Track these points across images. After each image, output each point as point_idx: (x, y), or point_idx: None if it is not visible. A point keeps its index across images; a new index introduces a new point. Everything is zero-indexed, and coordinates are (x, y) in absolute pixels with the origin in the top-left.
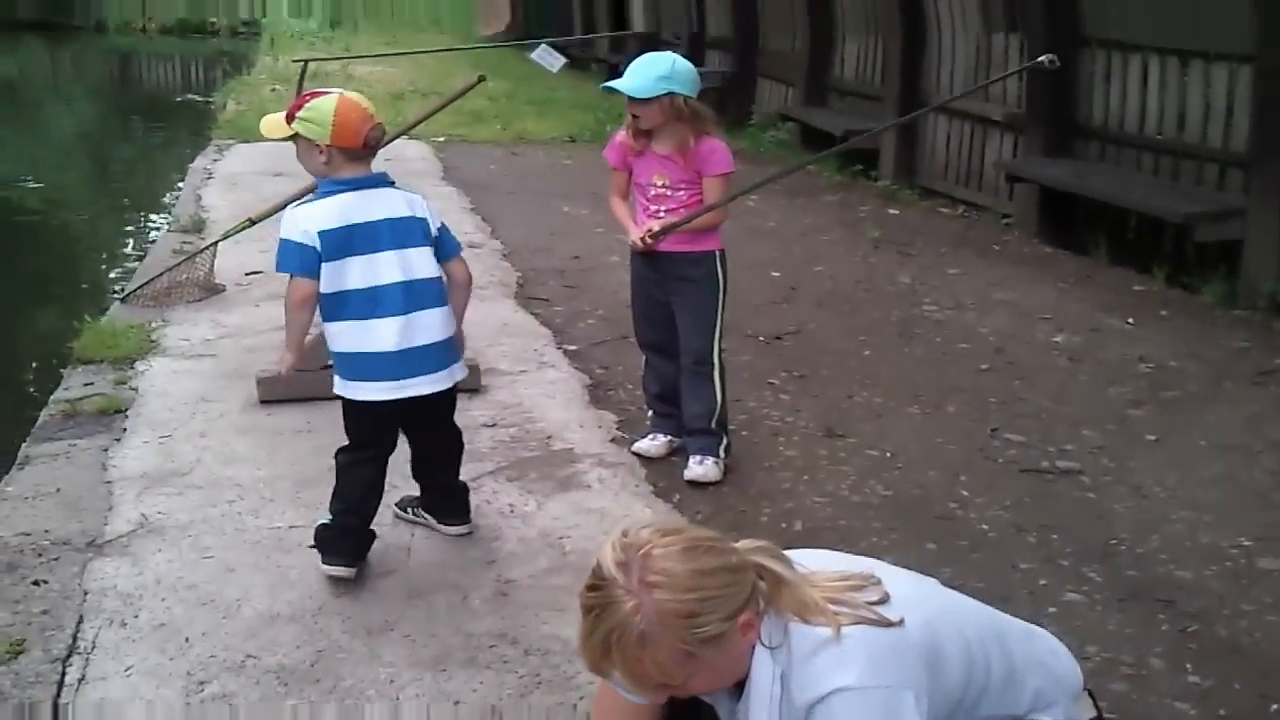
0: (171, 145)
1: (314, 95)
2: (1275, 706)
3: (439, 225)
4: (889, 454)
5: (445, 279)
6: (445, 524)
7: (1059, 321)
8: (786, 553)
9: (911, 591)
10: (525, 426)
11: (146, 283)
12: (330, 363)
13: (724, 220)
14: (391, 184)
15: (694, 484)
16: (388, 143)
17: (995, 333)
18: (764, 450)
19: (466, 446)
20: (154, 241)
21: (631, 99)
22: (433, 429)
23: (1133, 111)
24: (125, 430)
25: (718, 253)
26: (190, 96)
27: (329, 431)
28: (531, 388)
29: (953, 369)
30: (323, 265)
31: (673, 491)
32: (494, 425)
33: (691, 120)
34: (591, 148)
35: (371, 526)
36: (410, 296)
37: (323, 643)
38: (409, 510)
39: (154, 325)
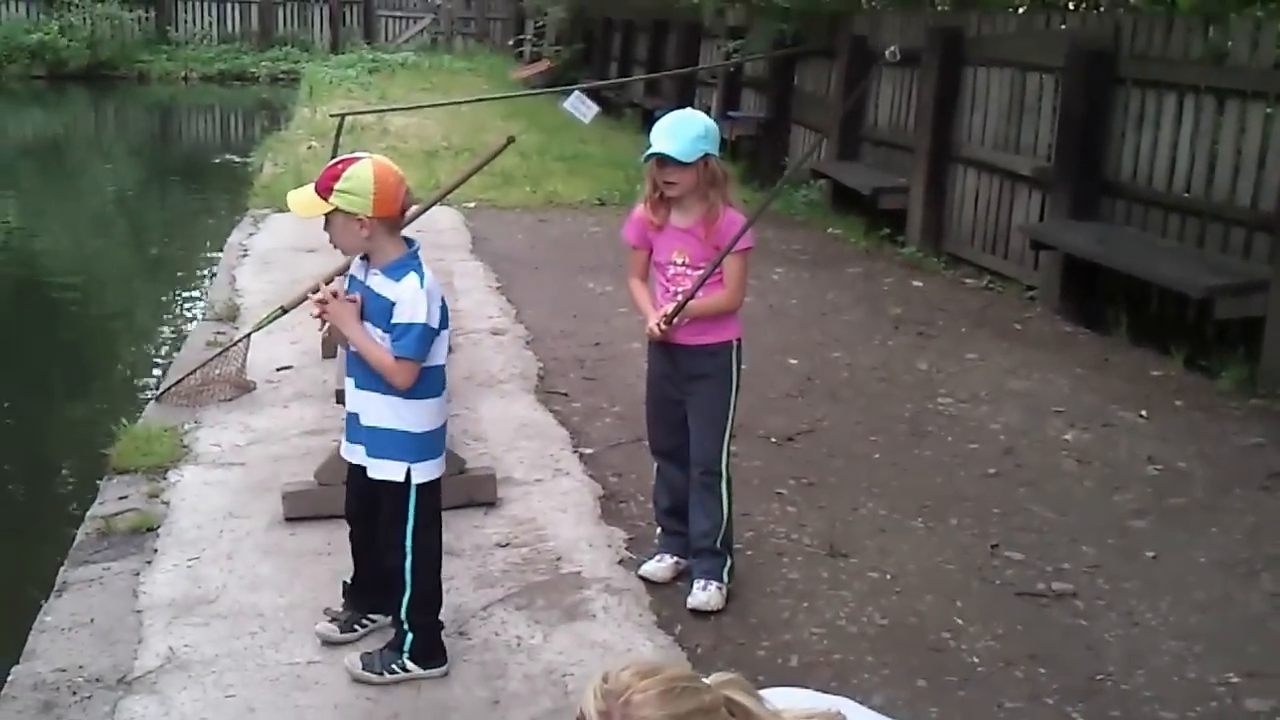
0: (209, 214)
1: (345, 164)
2: None
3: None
4: (889, 575)
5: None
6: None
7: (1071, 415)
8: (760, 692)
9: None
10: (537, 546)
11: (180, 380)
12: None
13: (741, 302)
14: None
15: (696, 612)
16: (424, 210)
17: (1007, 429)
18: (766, 572)
19: (480, 569)
20: (188, 333)
21: (670, 163)
22: None
23: (1162, 163)
24: (156, 551)
25: (735, 342)
26: (228, 157)
27: (348, 553)
28: (545, 500)
29: (960, 474)
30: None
31: (675, 622)
32: (507, 545)
33: (719, 185)
34: (619, 211)
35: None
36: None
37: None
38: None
39: (186, 428)
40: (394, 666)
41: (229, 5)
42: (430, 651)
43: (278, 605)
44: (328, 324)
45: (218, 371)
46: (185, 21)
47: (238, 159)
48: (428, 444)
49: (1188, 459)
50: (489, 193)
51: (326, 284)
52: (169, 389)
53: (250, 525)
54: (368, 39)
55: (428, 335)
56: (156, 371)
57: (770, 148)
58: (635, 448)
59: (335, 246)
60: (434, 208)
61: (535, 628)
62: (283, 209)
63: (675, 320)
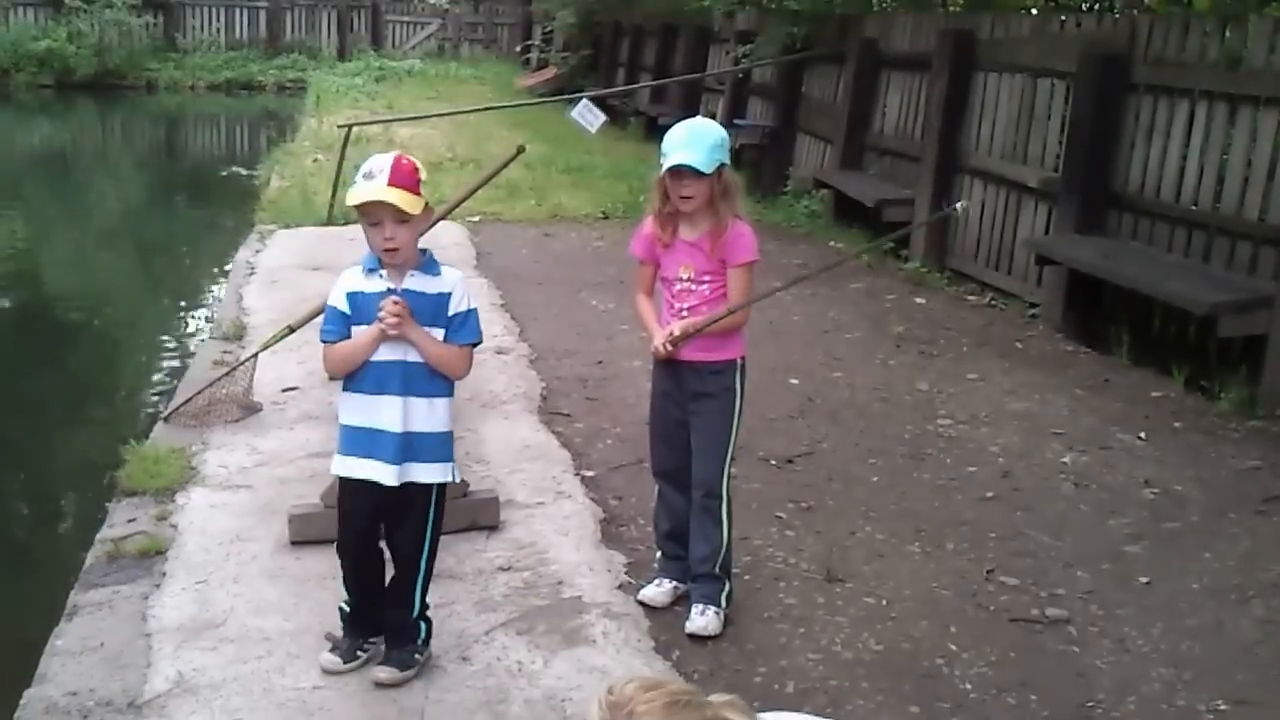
0: (215, 229)
1: (409, 160)
2: None
3: None
4: (884, 601)
5: None
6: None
7: (1070, 438)
8: (759, 715)
9: None
10: (538, 570)
11: (187, 400)
12: None
13: (745, 321)
14: None
15: (694, 637)
16: (433, 225)
17: (1005, 452)
18: (764, 597)
19: (483, 593)
20: (195, 353)
21: (688, 175)
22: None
23: (1171, 174)
24: (164, 575)
25: (739, 361)
26: (235, 169)
27: None
28: (547, 523)
29: (958, 497)
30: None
31: (673, 647)
32: (509, 569)
33: (730, 197)
34: (623, 225)
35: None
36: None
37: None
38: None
39: (194, 450)
40: (416, 657)
41: (237, 11)
42: (431, 631)
43: (284, 629)
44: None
45: (224, 392)
46: (193, 28)
47: (244, 172)
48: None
49: (1184, 482)
50: (494, 206)
51: (386, 303)
52: (176, 409)
53: (257, 549)
54: (375, 45)
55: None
56: (163, 391)
57: (775, 157)
58: (636, 470)
59: (393, 250)
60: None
61: (536, 652)
62: (289, 225)
63: (680, 342)
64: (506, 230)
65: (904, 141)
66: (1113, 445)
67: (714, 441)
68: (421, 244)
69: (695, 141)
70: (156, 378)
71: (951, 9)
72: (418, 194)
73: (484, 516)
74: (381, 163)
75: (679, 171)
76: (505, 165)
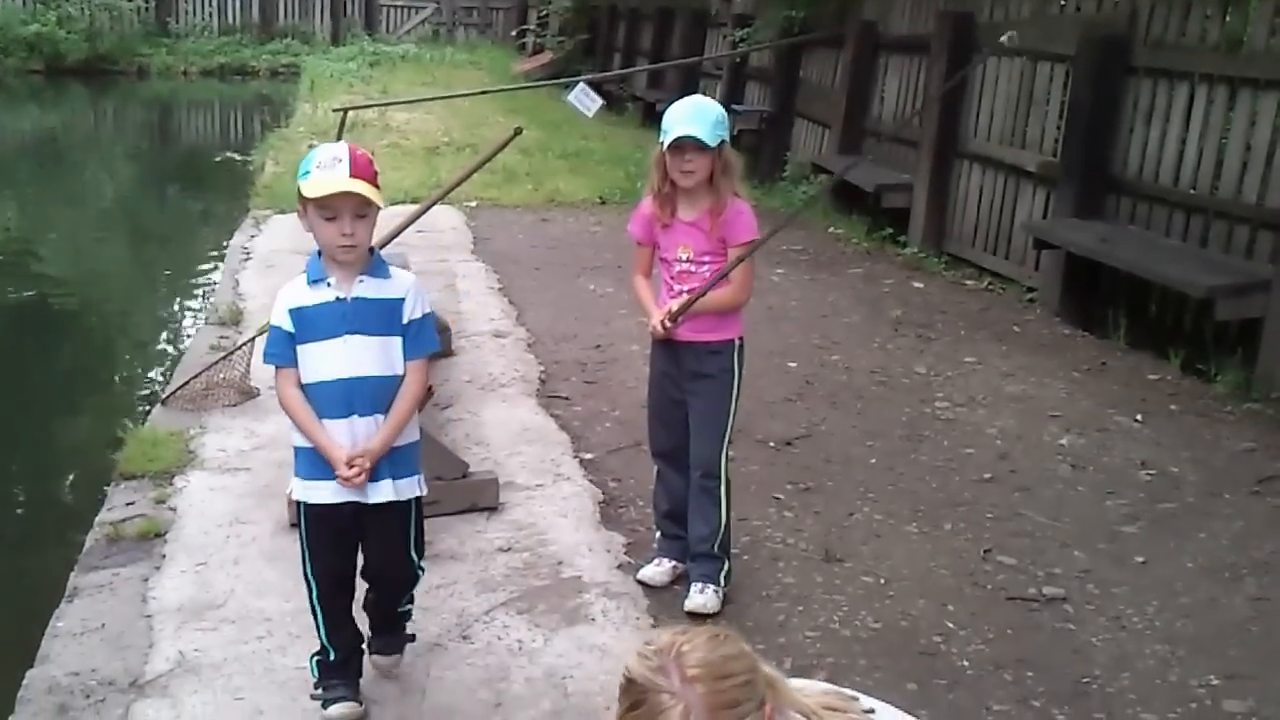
0: (210, 214)
1: (356, 150)
2: None
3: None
4: (883, 580)
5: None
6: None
7: (1068, 420)
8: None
9: (890, 712)
10: (538, 550)
11: (185, 384)
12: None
13: (747, 299)
14: None
15: (693, 615)
16: (428, 208)
17: (1003, 434)
18: (763, 576)
19: (483, 574)
20: (192, 337)
21: (692, 148)
22: None
23: (1169, 158)
24: (164, 557)
25: (737, 341)
26: (229, 155)
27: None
28: (546, 505)
29: (955, 479)
30: None
31: (672, 625)
32: (509, 550)
33: (730, 174)
34: (620, 210)
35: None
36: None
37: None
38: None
39: (192, 433)
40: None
41: None
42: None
43: (284, 610)
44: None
45: (222, 376)
46: (185, 12)
47: (238, 157)
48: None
49: (1180, 464)
50: (490, 191)
51: (346, 472)
52: (174, 393)
53: (256, 531)
54: (369, 30)
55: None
56: (160, 376)
57: (772, 143)
58: (635, 452)
59: (350, 248)
60: (435, 207)
61: (536, 631)
62: (284, 210)
63: (680, 317)
64: (503, 215)
65: (902, 126)
66: (1109, 427)
67: (712, 422)
68: (416, 229)
69: (698, 116)
70: (153, 362)
71: None
72: (378, 187)
73: (483, 498)
74: (338, 152)
75: (681, 146)
76: (503, 147)
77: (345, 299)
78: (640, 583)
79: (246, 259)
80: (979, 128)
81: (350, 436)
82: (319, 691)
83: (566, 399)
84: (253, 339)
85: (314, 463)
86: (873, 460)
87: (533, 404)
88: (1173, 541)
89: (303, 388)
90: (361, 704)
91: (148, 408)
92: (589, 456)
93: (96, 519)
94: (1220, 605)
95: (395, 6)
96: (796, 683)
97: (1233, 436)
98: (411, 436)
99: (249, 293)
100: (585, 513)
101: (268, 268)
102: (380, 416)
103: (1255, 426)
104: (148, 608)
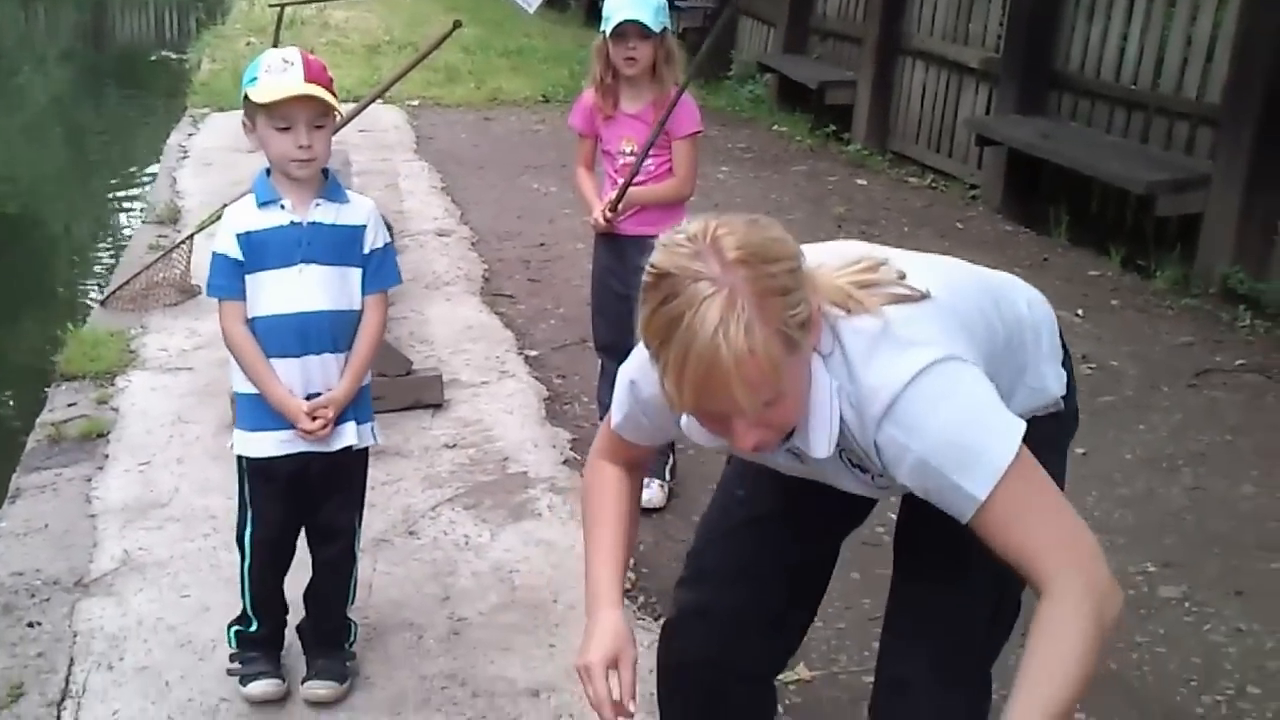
0: (147, 115)
1: (309, 55)
2: None
3: None
4: None
5: None
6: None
7: None
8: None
9: (913, 261)
10: (483, 447)
11: (124, 284)
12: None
13: (690, 193)
14: None
15: (641, 510)
16: (365, 106)
17: None
18: (709, 468)
19: (429, 470)
20: (130, 237)
21: (636, 34)
22: None
23: (1111, 54)
24: (107, 457)
25: None
26: (165, 54)
27: None
28: (491, 402)
29: None
30: None
31: None
32: (454, 446)
33: (673, 63)
34: (563, 108)
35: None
36: None
37: (290, 686)
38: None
39: (133, 334)
40: (349, 665)
41: None
42: (357, 631)
43: (229, 508)
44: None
45: (161, 275)
46: None
47: (174, 56)
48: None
49: (1120, 358)
50: (432, 90)
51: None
52: (113, 294)
53: (199, 430)
54: None
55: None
56: (100, 277)
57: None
58: (579, 349)
59: (308, 161)
60: (375, 105)
61: (483, 526)
62: (223, 108)
63: (621, 208)
64: (445, 114)
65: (846, 24)
66: None
67: None
68: (357, 128)
69: (641, 1)
70: (92, 263)
71: None
72: (335, 93)
73: (428, 395)
74: (288, 54)
75: (624, 32)
76: (441, 41)
77: (301, 223)
78: None
79: (184, 157)
80: (922, 24)
81: (303, 378)
82: (237, 666)
83: (510, 297)
84: (191, 236)
85: (259, 411)
86: None
87: (476, 302)
88: (1112, 433)
89: (249, 323)
90: (284, 680)
91: (87, 309)
92: (534, 354)
93: (38, 420)
94: (1157, 495)
95: None
96: (822, 256)
97: (1171, 331)
98: (367, 377)
99: (187, 191)
100: (530, 409)
101: (205, 166)
102: (331, 356)
103: (1194, 321)
104: (91, 507)
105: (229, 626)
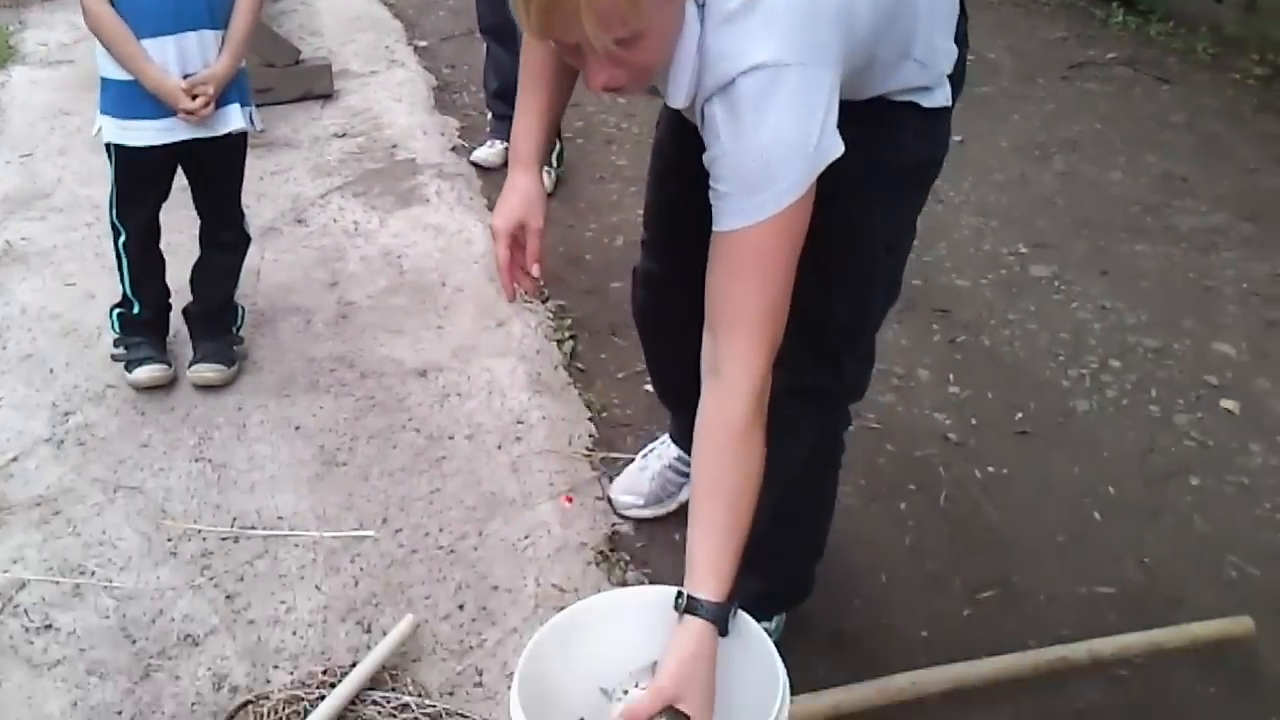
0: None
1: None
2: (1019, 415)
3: None
4: None
5: None
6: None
7: None
8: None
9: None
10: (373, 135)
11: None
12: None
13: None
14: None
15: None
16: None
17: None
18: (596, 159)
19: (318, 159)
20: None
21: None
22: None
23: None
24: None
25: None
26: None
27: None
28: (380, 91)
29: None
30: None
31: None
32: (344, 135)
33: None
34: None
35: None
36: None
37: (178, 372)
38: None
39: (11, 29)
40: (236, 349)
41: None
42: (244, 315)
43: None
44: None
45: None
46: None
47: None
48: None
49: (997, 51)
50: None
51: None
52: None
53: (80, 121)
54: None
55: None
56: None
57: None
58: (468, 40)
59: None
60: None
61: (371, 213)
62: None
63: None
64: None
65: None
66: None
67: None
68: None
69: None
70: None
71: None
72: None
73: (318, 85)
74: None
75: None
76: None
77: None
78: (474, 164)
79: None
80: None
81: (179, 57)
82: (121, 351)
83: None
84: None
85: (130, 97)
86: None
87: None
88: (987, 123)
89: (114, 1)
90: (170, 365)
91: None
92: (423, 44)
93: None
94: (1031, 181)
95: None
96: None
97: (1047, 26)
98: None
99: None
100: (419, 98)
101: None
102: (210, 32)
103: (1069, 18)
104: None
105: (111, 310)
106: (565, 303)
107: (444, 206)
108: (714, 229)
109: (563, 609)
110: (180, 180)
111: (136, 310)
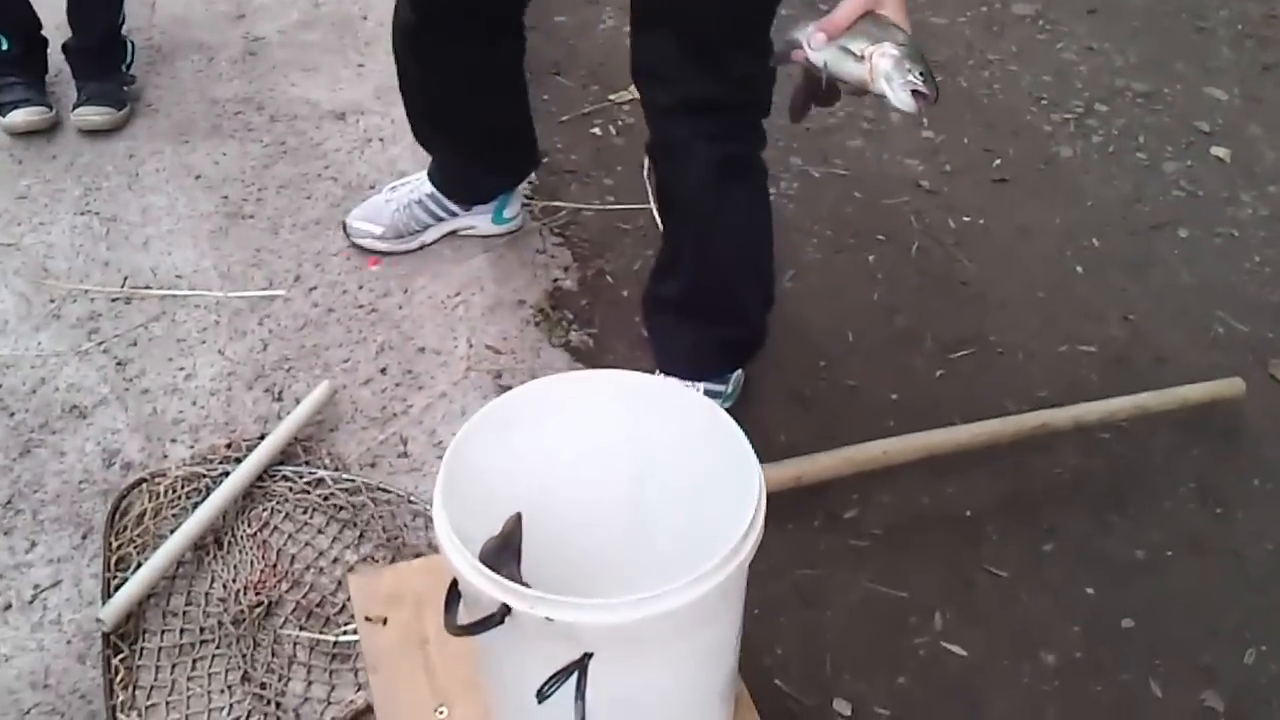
0: None
1: None
2: (997, 161)
3: None
4: None
5: None
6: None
7: None
8: None
9: None
10: None
11: None
12: None
13: None
14: None
15: None
16: None
17: None
18: None
19: None
20: None
21: None
22: None
23: None
24: None
25: None
26: None
27: None
28: None
29: None
30: None
31: None
32: None
33: None
34: None
35: None
36: None
37: (60, 115)
38: None
39: None
40: (126, 89)
41: None
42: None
43: None
44: None
45: None
46: None
47: None
48: None
49: None
50: None
51: None
52: None
53: None
54: None
55: None
56: None
57: None
58: None
59: None
60: None
61: None
62: None
63: None
64: None
65: None
66: None
67: None
68: None
69: None
70: None
71: None
72: None
73: None
74: None
75: None
76: None
77: None
78: None
79: None
80: None
81: None
82: None
83: None
84: None
85: None
86: None
87: None
88: None
89: None
90: (51, 108)
91: None
92: None
93: None
94: None
95: None
96: None
97: None
98: None
99: None
100: None
101: None
102: None
103: None
104: None
105: None
106: None
107: None
108: None
109: (498, 373)
110: None
111: (4, 45)
